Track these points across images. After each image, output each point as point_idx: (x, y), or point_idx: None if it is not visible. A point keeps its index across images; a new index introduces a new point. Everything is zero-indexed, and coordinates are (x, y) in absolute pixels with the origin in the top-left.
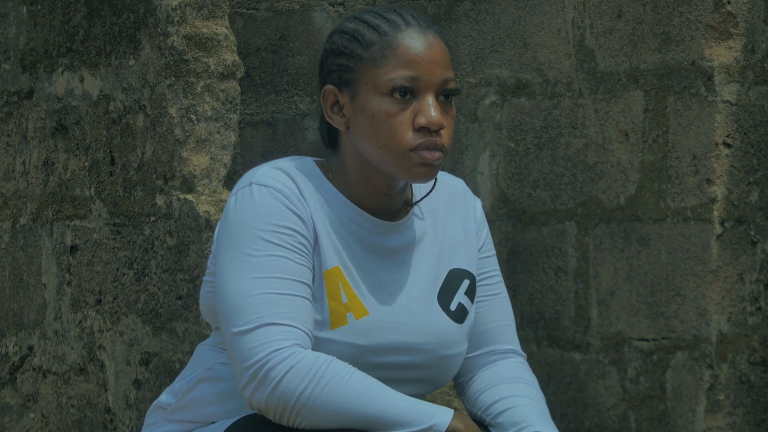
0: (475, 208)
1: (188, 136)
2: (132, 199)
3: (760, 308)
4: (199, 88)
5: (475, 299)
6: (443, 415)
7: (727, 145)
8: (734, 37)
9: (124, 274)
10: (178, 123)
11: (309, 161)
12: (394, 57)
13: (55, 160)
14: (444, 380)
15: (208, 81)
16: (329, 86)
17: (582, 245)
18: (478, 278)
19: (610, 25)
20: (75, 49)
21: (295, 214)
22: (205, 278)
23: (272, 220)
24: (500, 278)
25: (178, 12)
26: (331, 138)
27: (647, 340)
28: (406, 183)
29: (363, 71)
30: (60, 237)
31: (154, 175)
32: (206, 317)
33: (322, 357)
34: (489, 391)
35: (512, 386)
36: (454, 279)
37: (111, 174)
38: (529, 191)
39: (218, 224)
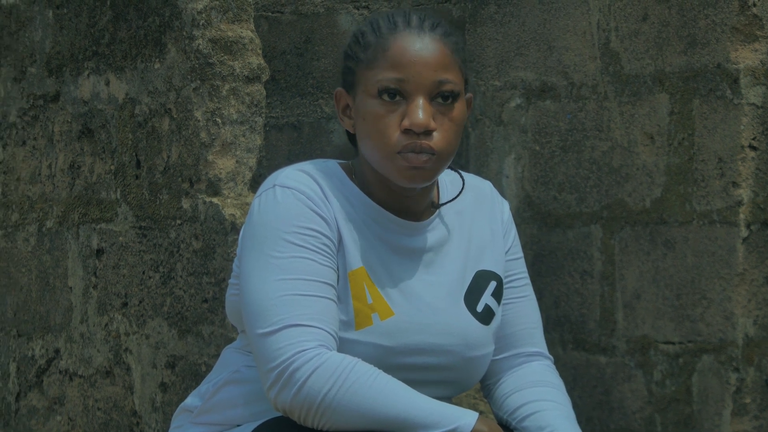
0: (502, 210)
1: (214, 139)
2: (158, 203)
3: None
4: (224, 92)
5: (503, 301)
6: (468, 417)
7: (753, 148)
8: (760, 39)
9: (150, 278)
10: (203, 126)
11: (333, 163)
12: (384, 59)
13: (81, 164)
14: (470, 382)
15: (234, 84)
16: (339, 89)
17: (607, 248)
18: (505, 280)
19: (635, 27)
20: (101, 52)
21: (319, 215)
22: (230, 281)
23: (296, 221)
24: (528, 281)
25: (204, 15)
26: (352, 140)
27: (673, 344)
28: (431, 184)
29: (360, 73)
30: (86, 240)
31: (179, 179)
32: (232, 320)
33: (348, 358)
34: (515, 395)
35: (539, 390)
36: (480, 280)
37: (137, 177)
38: (554, 194)
39: (243, 227)
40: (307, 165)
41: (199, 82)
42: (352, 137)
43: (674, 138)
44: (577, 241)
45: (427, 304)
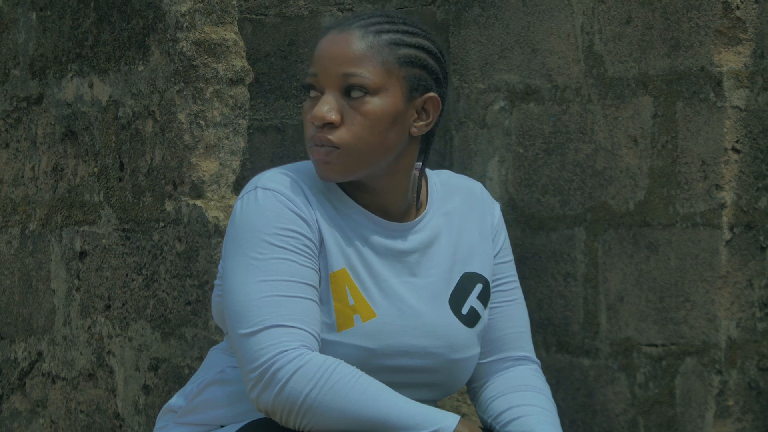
0: (493, 212)
1: (197, 141)
2: (141, 205)
3: None
4: (208, 94)
5: (491, 304)
6: (449, 419)
7: (736, 151)
8: (743, 42)
9: (133, 280)
10: (187, 129)
11: None
12: (311, 56)
13: (65, 166)
14: (456, 385)
15: (218, 87)
16: None
17: (591, 251)
18: (493, 284)
19: (619, 30)
20: (84, 54)
21: (300, 217)
22: (215, 282)
23: (277, 223)
24: (517, 284)
25: (188, 18)
26: None
27: (656, 346)
28: (401, 182)
29: None
30: (69, 243)
31: (163, 181)
32: (218, 322)
33: (329, 360)
34: (500, 399)
35: (524, 395)
36: (466, 282)
37: (120, 180)
38: (538, 197)
39: (226, 229)
40: (289, 167)
41: (182, 84)
42: None
43: (658, 141)
44: (561, 243)
45: (410, 306)
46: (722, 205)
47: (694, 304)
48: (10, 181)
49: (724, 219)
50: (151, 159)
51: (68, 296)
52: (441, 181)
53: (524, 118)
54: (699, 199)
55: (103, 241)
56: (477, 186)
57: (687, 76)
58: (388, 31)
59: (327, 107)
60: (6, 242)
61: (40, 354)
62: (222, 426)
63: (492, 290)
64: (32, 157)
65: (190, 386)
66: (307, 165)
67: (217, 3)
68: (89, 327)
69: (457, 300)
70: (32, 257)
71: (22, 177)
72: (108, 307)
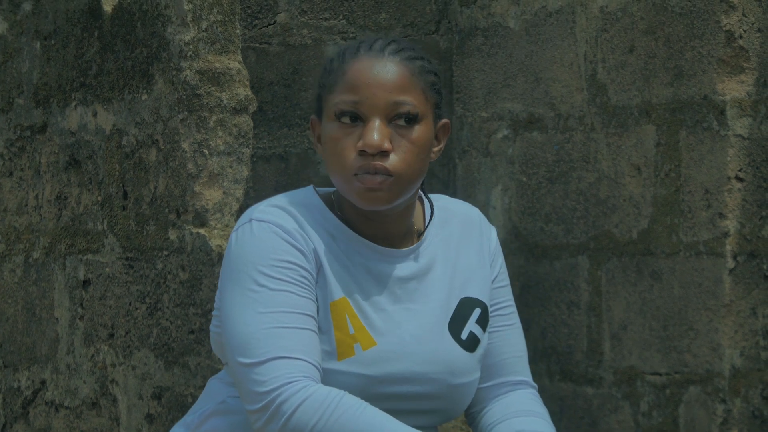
0: (490, 237)
1: (201, 170)
2: (144, 234)
3: None
4: (211, 123)
5: (489, 329)
6: None
7: (740, 179)
8: (746, 71)
9: (136, 309)
10: (190, 157)
11: (311, 193)
12: (342, 82)
13: (68, 195)
14: (457, 410)
15: (221, 115)
16: (313, 117)
17: (594, 279)
18: (491, 308)
19: (622, 59)
20: (88, 83)
21: (296, 248)
22: (213, 314)
23: (273, 255)
24: (514, 309)
25: (191, 47)
26: None
27: (660, 375)
28: (404, 211)
29: (324, 98)
30: (73, 271)
31: (166, 210)
32: (217, 352)
33: (334, 391)
34: (501, 425)
35: (525, 420)
36: (465, 307)
37: (124, 208)
38: (541, 225)
39: (223, 260)
40: (282, 198)
41: (186, 113)
42: None
43: (661, 169)
44: (564, 272)
45: (410, 333)
46: (725, 234)
47: (698, 332)
48: (14, 209)
49: (728, 247)
50: (155, 188)
51: (72, 325)
52: (439, 206)
53: (527, 146)
54: (702, 227)
55: (107, 269)
56: (474, 211)
57: (690, 105)
58: (416, 58)
59: (379, 135)
60: (10, 270)
61: (43, 382)
62: None
63: (490, 315)
64: (36, 185)
65: (191, 417)
66: (300, 194)
67: (220, 32)
68: (92, 355)
69: (456, 325)
70: (36, 286)
71: (26, 205)
72: (111, 335)
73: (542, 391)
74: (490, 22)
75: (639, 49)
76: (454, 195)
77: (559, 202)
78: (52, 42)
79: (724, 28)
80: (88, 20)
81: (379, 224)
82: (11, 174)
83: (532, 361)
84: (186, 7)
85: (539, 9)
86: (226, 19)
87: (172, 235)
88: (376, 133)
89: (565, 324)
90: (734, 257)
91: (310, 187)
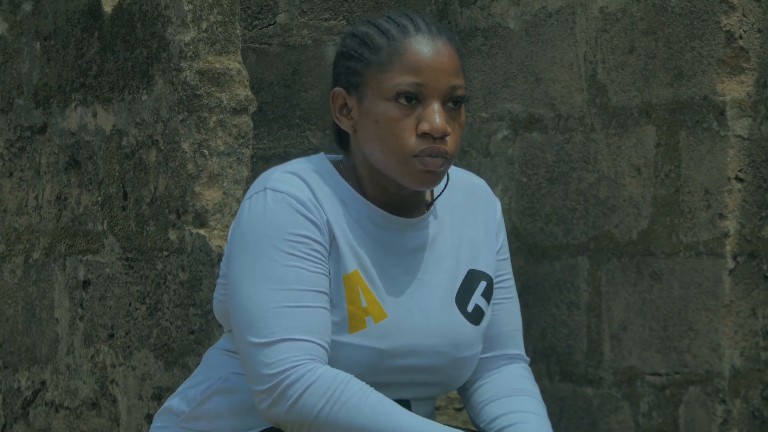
0: (495, 209)
1: (201, 171)
2: (144, 234)
3: None
4: (211, 123)
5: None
6: None
7: (740, 180)
8: (746, 71)
9: (136, 309)
10: (190, 158)
11: (324, 161)
12: (401, 62)
13: (68, 195)
14: (458, 382)
15: (221, 116)
16: (338, 89)
17: (594, 280)
18: (494, 281)
19: (622, 59)
20: (88, 84)
21: (310, 220)
22: (218, 281)
23: (287, 228)
24: (513, 282)
25: (191, 47)
26: (342, 139)
27: (660, 375)
28: None
29: (370, 75)
30: (72, 272)
31: (166, 210)
32: (219, 319)
33: (341, 375)
34: (493, 404)
35: (517, 400)
36: (472, 280)
37: (124, 209)
38: (541, 226)
39: (232, 226)
40: (298, 165)
41: (186, 113)
42: (342, 138)
43: (661, 170)
44: (564, 272)
45: (419, 306)
46: (725, 234)
47: (698, 333)
48: (14, 210)
49: (728, 248)
50: (155, 188)
51: (72, 325)
52: (445, 179)
53: (527, 147)
54: (702, 228)
55: (107, 270)
56: (480, 182)
57: (690, 106)
58: (454, 39)
59: (442, 119)
60: (10, 271)
61: (43, 383)
62: None
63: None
64: (36, 186)
65: (192, 391)
66: (314, 161)
67: (220, 32)
68: (92, 356)
69: (463, 298)
70: (36, 286)
71: (26, 206)
72: (111, 336)
73: (542, 392)
74: (490, 23)
75: (639, 49)
76: None
77: (559, 202)
78: (52, 42)
79: (724, 29)
80: (88, 21)
81: (395, 197)
82: (11, 174)
83: (532, 361)
84: (186, 8)
85: (539, 9)
86: (226, 19)
87: (172, 235)
88: (439, 116)
89: (565, 324)
90: (734, 258)
91: (322, 154)
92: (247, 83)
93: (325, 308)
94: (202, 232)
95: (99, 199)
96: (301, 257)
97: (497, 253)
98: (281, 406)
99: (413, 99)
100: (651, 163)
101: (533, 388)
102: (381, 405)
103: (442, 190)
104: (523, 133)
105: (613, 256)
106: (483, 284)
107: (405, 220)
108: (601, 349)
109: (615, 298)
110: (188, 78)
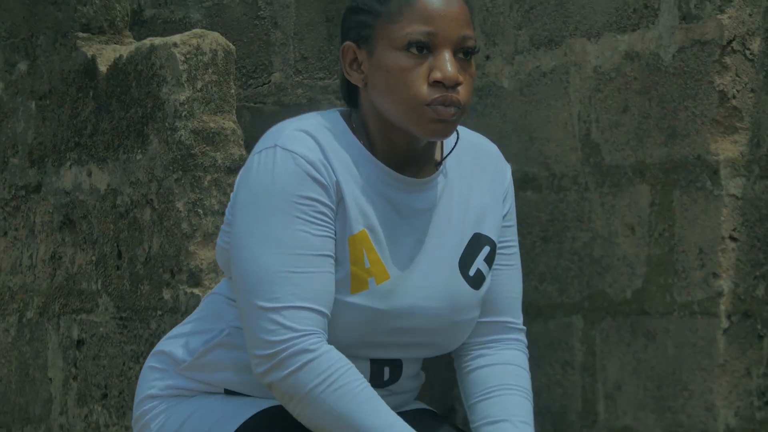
0: (505, 174)
1: (195, 230)
2: (139, 293)
3: (767, 403)
4: (206, 183)
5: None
6: None
7: (734, 239)
8: (740, 131)
9: (130, 369)
10: (185, 217)
11: (337, 118)
12: (411, 12)
13: (62, 254)
14: (453, 345)
15: (216, 175)
16: (348, 43)
17: (589, 339)
18: (498, 246)
19: (615, 119)
20: (83, 143)
21: (318, 182)
22: (222, 228)
23: (294, 190)
24: (517, 250)
25: (186, 106)
26: (351, 96)
27: None
28: (430, 141)
29: (380, 27)
30: (66, 331)
31: (161, 269)
32: (221, 266)
33: (342, 360)
34: (483, 404)
35: (506, 400)
36: (475, 244)
37: (118, 268)
38: (535, 284)
39: (239, 176)
40: (311, 121)
41: (180, 172)
42: (351, 93)
43: (655, 229)
44: (559, 331)
45: (422, 268)
46: (720, 294)
47: (692, 392)
48: (8, 269)
49: (722, 307)
50: (149, 247)
51: (65, 385)
52: (453, 137)
53: (522, 205)
54: (696, 287)
55: (101, 329)
56: (492, 146)
57: (684, 165)
58: None
59: (453, 67)
60: (3, 330)
61: None
62: (227, 390)
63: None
64: (30, 245)
65: (194, 342)
66: (327, 117)
67: (215, 92)
68: (86, 416)
69: (465, 262)
70: (29, 345)
71: (20, 265)
72: (105, 395)
73: None
74: (484, 82)
75: (633, 108)
76: None
77: (554, 261)
78: (48, 102)
79: (717, 89)
80: (84, 80)
81: (405, 154)
82: (6, 234)
83: None
84: (181, 67)
85: (533, 69)
86: (221, 79)
87: (167, 294)
88: (450, 65)
89: (559, 384)
90: (728, 317)
91: (336, 110)
92: (242, 142)
93: (329, 272)
94: (196, 291)
95: (93, 258)
96: (307, 221)
97: (503, 218)
98: (277, 374)
99: (424, 48)
100: (645, 222)
101: (524, 381)
102: (372, 401)
103: (452, 149)
104: (518, 191)
105: (607, 315)
106: (486, 249)
107: (414, 180)
108: (596, 408)
109: (609, 358)
110: (183, 137)
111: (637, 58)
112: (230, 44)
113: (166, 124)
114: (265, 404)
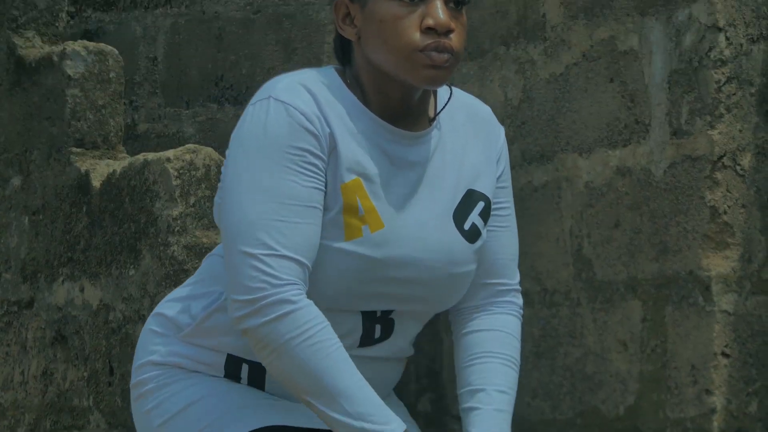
0: (498, 135)
1: None
2: (131, 410)
3: None
4: None
5: (486, 227)
6: (395, 425)
7: (726, 355)
8: (731, 246)
9: None
10: None
11: (331, 72)
12: None
13: (54, 370)
14: (451, 301)
15: None
16: None
17: None
18: (492, 207)
19: (607, 234)
20: (76, 258)
21: (310, 132)
22: (219, 185)
23: (285, 140)
24: (512, 211)
25: (179, 222)
26: (344, 52)
27: None
28: (424, 94)
29: None
30: None
31: None
32: (216, 222)
33: (320, 317)
34: (467, 371)
35: (492, 373)
36: (470, 199)
37: (110, 384)
38: (528, 400)
39: (233, 131)
40: (306, 75)
41: (173, 288)
42: (344, 48)
43: (647, 345)
44: None
45: (417, 219)
46: (713, 410)
47: None
48: None
49: (715, 424)
50: None
51: None
52: (449, 93)
53: None
54: (689, 404)
55: None
56: (485, 108)
57: (675, 281)
58: None
59: (445, 14)
60: None
61: None
62: (229, 354)
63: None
64: (22, 361)
65: (196, 306)
66: (322, 72)
67: (208, 207)
68: None
69: (460, 215)
70: None
71: (12, 381)
72: None
73: None
74: None
75: (624, 224)
76: (440, 371)
77: (546, 377)
78: (41, 217)
79: (708, 204)
80: (77, 195)
81: (399, 108)
82: None
83: None
84: (174, 183)
85: (525, 184)
86: (214, 194)
87: None
88: (442, 12)
89: None
90: None
91: (331, 66)
92: None
93: (315, 224)
94: None
95: (85, 374)
96: (297, 171)
97: (497, 179)
98: (255, 320)
99: None
100: (637, 338)
101: (507, 346)
102: (344, 363)
103: (446, 103)
104: None
105: None
106: (481, 204)
107: (409, 132)
108: None
109: None
110: (176, 253)
111: (629, 174)
112: (223, 159)
113: (159, 240)
114: (268, 418)
